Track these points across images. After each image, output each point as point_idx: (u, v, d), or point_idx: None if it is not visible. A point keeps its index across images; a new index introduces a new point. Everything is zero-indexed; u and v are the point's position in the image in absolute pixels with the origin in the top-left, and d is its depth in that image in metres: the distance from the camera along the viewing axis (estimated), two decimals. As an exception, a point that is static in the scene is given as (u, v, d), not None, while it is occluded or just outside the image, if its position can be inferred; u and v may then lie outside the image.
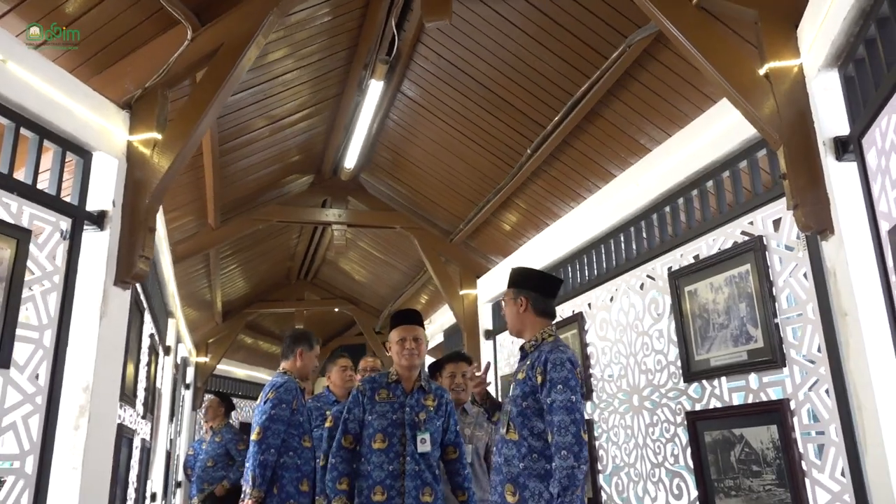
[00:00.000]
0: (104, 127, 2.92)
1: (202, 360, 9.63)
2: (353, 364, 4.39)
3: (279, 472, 3.48)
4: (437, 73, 4.57)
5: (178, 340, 7.02)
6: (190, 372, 9.30)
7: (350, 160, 5.74)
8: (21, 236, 2.48)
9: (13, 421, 2.40)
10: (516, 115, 4.46)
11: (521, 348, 2.76)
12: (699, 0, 2.78)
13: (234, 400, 7.57)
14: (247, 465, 3.57)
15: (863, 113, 2.25)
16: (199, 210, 5.51)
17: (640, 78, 3.61)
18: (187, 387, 9.25)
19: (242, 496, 3.60)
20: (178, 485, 8.37)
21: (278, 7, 3.11)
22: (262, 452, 3.39)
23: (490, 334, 6.14)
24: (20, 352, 2.45)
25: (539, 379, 2.53)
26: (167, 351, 6.24)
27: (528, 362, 2.63)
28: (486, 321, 6.20)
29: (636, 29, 3.33)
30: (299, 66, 4.56)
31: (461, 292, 6.38)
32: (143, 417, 4.77)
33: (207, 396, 8.28)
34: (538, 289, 2.79)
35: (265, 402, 3.51)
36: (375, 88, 4.56)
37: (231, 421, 6.82)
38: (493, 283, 6.11)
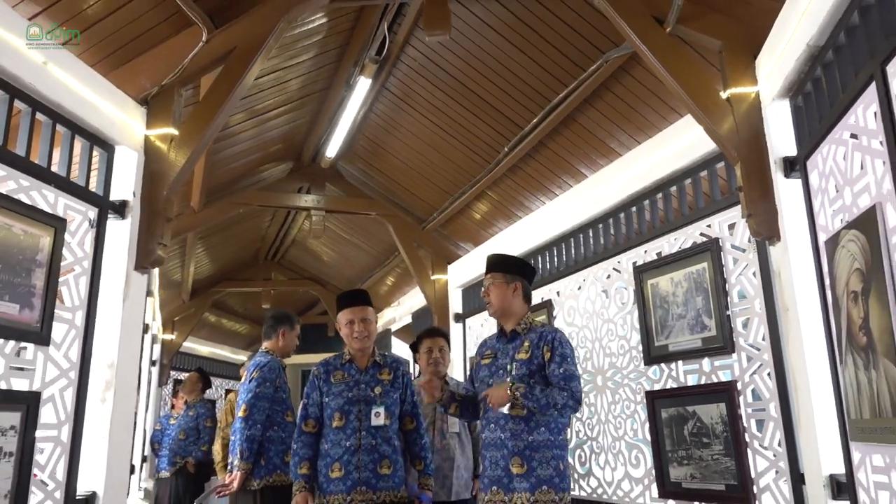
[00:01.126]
0: (125, 122, 3.13)
1: (168, 337, 9.74)
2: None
3: (266, 446, 3.74)
4: (422, 73, 4.85)
5: (153, 318, 7.18)
6: (157, 349, 9.42)
7: (332, 149, 5.98)
8: (58, 225, 2.70)
9: (52, 394, 2.64)
10: (496, 115, 4.78)
11: (513, 331, 2.92)
12: (671, 28, 3.14)
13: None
14: (232, 438, 3.84)
15: (808, 139, 2.64)
16: (184, 194, 5.68)
17: (614, 90, 3.97)
18: (153, 363, 9.37)
19: (230, 468, 3.87)
20: (144, 459, 8.53)
21: (288, 14, 3.34)
22: (248, 428, 3.63)
23: (459, 317, 6.48)
24: (56, 331, 2.68)
25: (548, 355, 2.77)
26: (145, 329, 6.40)
27: (527, 343, 2.83)
28: (455, 305, 6.54)
29: (614, 47, 3.68)
30: (290, 64, 4.78)
31: (433, 277, 6.71)
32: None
33: (187, 374, 8.42)
34: (527, 277, 3.03)
35: (250, 381, 3.76)
36: (364, 85, 4.81)
37: (205, 397, 7.03)
38: (463, 270, 6.45)
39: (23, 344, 2.53)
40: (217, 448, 5.19)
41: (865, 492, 2.24)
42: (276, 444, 3.79)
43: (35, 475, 2.52)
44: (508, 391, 2.68)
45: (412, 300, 8.01)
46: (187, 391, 6.64)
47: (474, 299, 6.21)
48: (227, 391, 9.05)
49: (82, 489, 2.75)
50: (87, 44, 3.14)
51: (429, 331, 4.08)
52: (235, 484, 3.63)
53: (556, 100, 4.22)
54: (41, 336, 2.58)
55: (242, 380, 4.03)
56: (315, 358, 4.12)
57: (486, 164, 5.27)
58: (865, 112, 2.11)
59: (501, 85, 4.50)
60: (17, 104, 2.59)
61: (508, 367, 2.82)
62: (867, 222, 2.10)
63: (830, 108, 2.40)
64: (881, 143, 2.00)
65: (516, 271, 3.01)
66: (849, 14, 2.20)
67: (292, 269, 10.65)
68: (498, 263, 3.04)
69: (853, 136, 2.23)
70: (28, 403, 2.49)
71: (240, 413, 3.70)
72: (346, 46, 4.79)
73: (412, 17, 4.27)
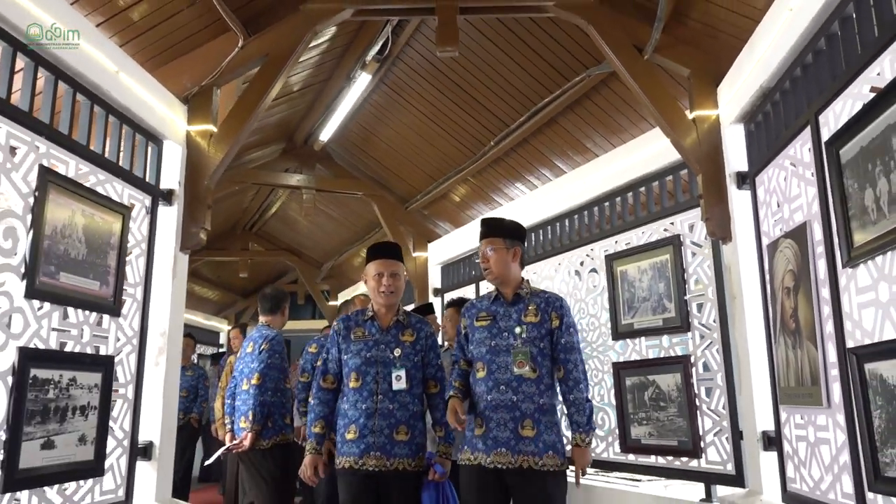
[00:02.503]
0: (172, 119, 3.52)
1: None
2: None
3: (271, 410, 4.22)
4: (419, 70, 5.30)
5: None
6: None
7: (325, 134, 6.40)
8: (125, 212, 3.12)
9: (121, 358, 3.09)
10: (485, 113, 5.28)
11: (516, 294, 2.88)
12: (648, 55, 3.67)
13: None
14: (237, 403, 4.27)
15: (758, 160, 3.22)
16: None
17: (594, 99, 4.51)
18: (132, 329, 9.70)
19: (233, 429, 4.29)
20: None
21: (315, 27, 3.76)
22: (261, 394, 4.04)
23: (438, 291, 7.02)
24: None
25: (556, 322, 2.80)
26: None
27: (532, 307, 2.83)
28: (435, 280, 7.08)
29: (596, 64, 4.21)
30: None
31: (414, 254, 7.22)
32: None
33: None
34: (524, 241, 3.02)
35: (262, 352, 4.16)
36: (364, 79, 5.24)
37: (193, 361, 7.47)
38: (443, 248, 6.97)
39: (101, 315, 2.96)
40: (217, 406, 5.66)
41: (789, 443, 2.89)
42: (279, 408, 4.22)
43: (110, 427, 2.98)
44: (582, 446, 2.72)
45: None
46: (185, 357, 7.06)
47: (453, 275, 6.75)
48: (215, 355, 9.43)
49: (142, 439, 3.22)
50: (138, 46, 3.51)
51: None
52: (247, 443, 4.06)
53: (542, 104, 4.75)
54: (114, 309, 3.02)
55: (247, 349, 4.42)
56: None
57: (471, 155, 5.78)
58: (802, 147, 2.70)
59: (492, 87, 5.00)
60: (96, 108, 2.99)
61: (517, 329, 2.79)
62: (799, 234, 2.70)
63: (776, 139, 2.98)
64: (812, 174, 2.60)
65: (515, 236, 2.96)
66: (794, 67, 2.77)
67: (268, 240, 11.01)
68: (497, 228, 2.96)
69: (792, 164, 2.82)
70: (106, 365, 2.94)
71: (253, 381, 4.05)
72: (350, 45, 5.20)
73: (415, 22, 4.71)
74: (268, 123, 6.25)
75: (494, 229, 2.95)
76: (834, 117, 2.42)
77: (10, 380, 2.38)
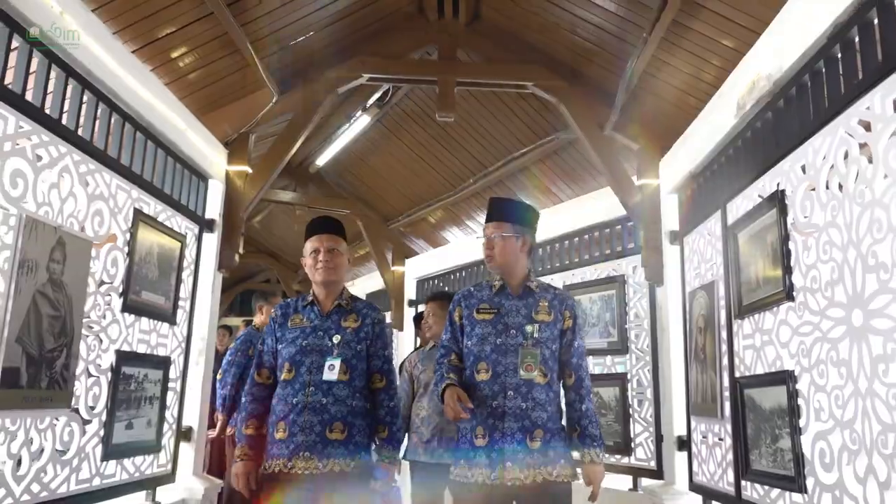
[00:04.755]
0: (216, 160, 4.26)
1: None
2: None
3: (235, 401, 4.91)
4: (412, 116, 6.10)
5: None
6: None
7: (322, 160, 7.15)
8: (183, 239, 3.85)
9: (174, 358, 3.81)
10: (467, 155, 6.13)
11: (525, 287, 2.60)
12: (607, 132, 4.55)
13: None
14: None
15: (686, 224, 4.11)
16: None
17: (562, 155, 5.40)
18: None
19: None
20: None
21: (337, 89, 4.53)
22: (222, 388, 4.94)
23: (413, 303, 7.82)
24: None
25: (569, 323, 2.57)
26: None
27: (544, 303, 2.57)
28: (410, 293, 7.88)
29: (565, 128, 5.09)
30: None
31: (392, 268, 8.01)
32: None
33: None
34: (535, 230, 2.69)
35: (228, 350, 5.14)
36: (363, 120, 6.02)
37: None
38: (419, 265, 7.78)
39: (163, 324, 3.70)
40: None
41: (696, 445, 3.79)
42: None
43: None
44: (597, 462, 2.53)
45: (368, 282, 9.26)
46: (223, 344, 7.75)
47: (428, 289, 7.57)
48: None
49: (185, 424, 3.96)
50: (187, 90, 4.16)
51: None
52: (214, 432, 4.87)
53: (517, 153, 5.62)
54: (173, 318, 3.76)
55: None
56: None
57: (451, 188, 6.62)
58: (715, 224, 3.60)
59: (476, 136, 5.84)
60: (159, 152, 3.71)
61: (528, 328, 2.51)
62: (709, 289, 3.60)
63: (698, 212, 3.88)
64: (720, 246, 3.50)
65: (527, 222, 2.64)
66: (712, 164, 3.66)
67: (249, 243, 11.61)
68: (508, 211, 2.64)
69: (709, 234, 3.72)
70: (166, 364, 3.67)
71: (218, 376, 4.95)
72: (355, 91, 5.96)
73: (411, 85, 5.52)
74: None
75: (504, 213, 2.63)
76: (735, 208, 3.32)
77: (109, 375, 3.11)
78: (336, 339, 2.64)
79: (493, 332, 2.54)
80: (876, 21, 2.19)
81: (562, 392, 2.64)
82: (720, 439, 3.43)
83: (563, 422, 2.61)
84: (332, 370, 2.57)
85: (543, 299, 2.58)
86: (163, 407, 3.65)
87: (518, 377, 2.46)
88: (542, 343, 2.51)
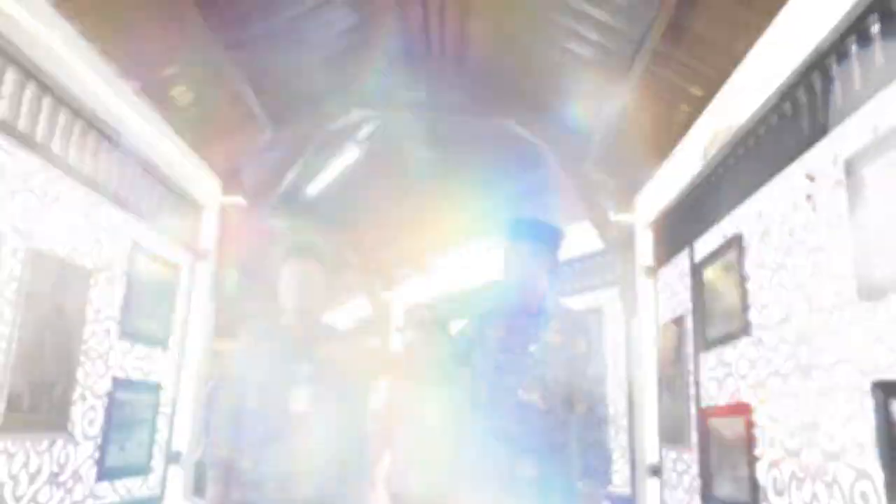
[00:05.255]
0: (211, 192, 4.44)
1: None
2: None
3: None
4: (398, 147, 6.32)
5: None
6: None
7: (312, 189, 7.34)
8: (177, 269, 4.02)
9: (165, 383, 3.95)
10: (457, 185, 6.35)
11: (539, 306, 2.48)
12: (585, 167, 4.77)
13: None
14: None
15: (660, 259, 4.32)
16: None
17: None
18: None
19: None
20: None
21: (326, 126, 4.74)
22: None
23: (399, 328, 8.00)
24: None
25: (583, 349, 2.44)
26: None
27: (556, 324, 2.46)
28: (397, 321, 8.07)
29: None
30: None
31: (381, 294, 8.19)
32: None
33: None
34: (558, 251, 2.60)
35: None
36: (353, 153, 6.22)
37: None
38: (405, 292, 7.98)
39: (156, 348, 3.84)
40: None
41: (668, 472, 3.95)
42: None
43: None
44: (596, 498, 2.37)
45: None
46: None
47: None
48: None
49: (174, 448, 4.08)
50: (183, 122, 4.32)
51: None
52: None
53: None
54: (164, 344, 3.90)
55: None
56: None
57: (440, 219, 6.83)
58: (683, 261, 3.80)
59: (457, 178, 6.07)
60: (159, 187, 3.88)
61: (531, 348, 2.41)
62: (679, 322, 3.79)
63: (670, 249, 4.09)
64: (688, 282, 3.69)
65: (552, 243, 2.56)
66: (683, 204, 3.87)
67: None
68: (531, 232, 2.54)
69: (679, 270, 3.92)
70: (157, 389, 3.81)
71: None
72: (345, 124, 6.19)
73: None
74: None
75: (528, 233, 2.53)
76: (702, 247, 3.52)
77: (106, 400, 3.25)
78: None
79: (499, 349, 2.48)
80: (819, 84, 2.41)
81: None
82: (688, 466, 3.60)
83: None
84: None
85: (556, 321, 2.49)
86: (153, 431, 3.78)
87: (521, 398, 2.38)
88: (544, 364, 2.40)
